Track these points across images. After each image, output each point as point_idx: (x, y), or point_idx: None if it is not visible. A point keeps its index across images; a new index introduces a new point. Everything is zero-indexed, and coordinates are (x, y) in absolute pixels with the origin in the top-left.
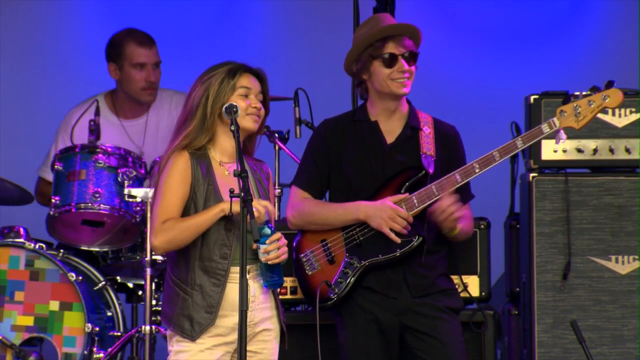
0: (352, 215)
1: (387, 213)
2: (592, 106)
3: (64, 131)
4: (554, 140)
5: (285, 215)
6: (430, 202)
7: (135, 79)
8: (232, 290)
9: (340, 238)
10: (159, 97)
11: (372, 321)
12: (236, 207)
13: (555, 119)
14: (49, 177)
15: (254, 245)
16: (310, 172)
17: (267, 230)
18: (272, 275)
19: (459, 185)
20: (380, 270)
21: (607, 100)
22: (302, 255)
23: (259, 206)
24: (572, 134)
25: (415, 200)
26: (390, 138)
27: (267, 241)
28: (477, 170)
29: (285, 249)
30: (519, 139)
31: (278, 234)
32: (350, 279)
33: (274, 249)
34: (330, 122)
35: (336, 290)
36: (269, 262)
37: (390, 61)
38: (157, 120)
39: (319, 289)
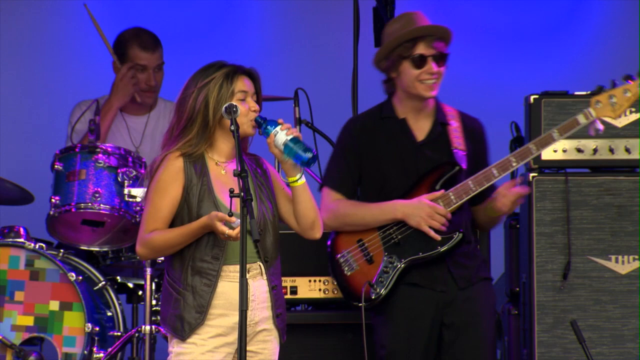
0: (390, 214)
1: (425, 211)
2: (629, 95)
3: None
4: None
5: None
6: (467, 197)
7: (135, 79)
8: (227, 289)
9: (377, 237)
10: (162, 106)
11: (416, 318)
12: (221, 229)
13: (590, 109)
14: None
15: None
16: (341, 171)
17: (272, 122)
18: (302, 145)
19: (496, 179)
20: (423, 266)
21: None
22: (339, 255)
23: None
24: (572, 134)
25: (452, 197)
26: (420, 135)
27: (279, 121)
28: (513, 164)
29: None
30: (555, 130)
31: (280, 120)
32: (392, 278)
33: (288, 126)
34: (358, 119)
35: (378, 290)
36: (294, 135)
37: (420, 62)
38: (155, 125)
39: (364, 288)
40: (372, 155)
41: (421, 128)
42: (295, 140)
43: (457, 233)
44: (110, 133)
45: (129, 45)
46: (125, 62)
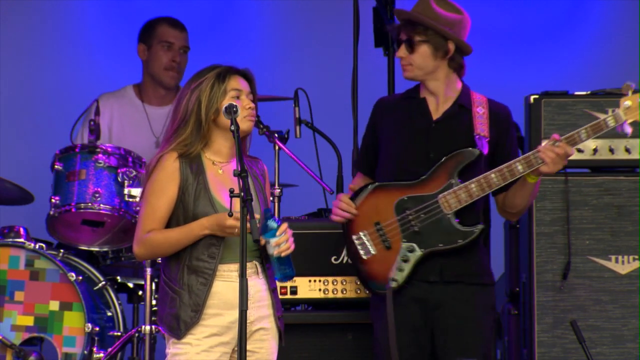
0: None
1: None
2: None
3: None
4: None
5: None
6: (490, 190)
7: (160, 57)
8: (222, 288)
9: (395, 223)
10: None
11: (406, 316)
12: (221, 232)
13: (619, 111)
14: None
15: (262, 241)
16: (362, 150)
17: (273, 224)
18: (284, 267)
19: (520, 175)
20: (431, 258)
21: None
22: (355, 237)
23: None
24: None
25: (474, 188)
26: (436, 115)
27: (277, 233)
28: (539, 161)
29: (292, 239)
30: (583, 130)
31: (285, 225)
32: (410, 267)
33: (284, 241)
34: (383, 99)
35: (397, 279)
36: (281, 255)
37: (398, 46)
38: None
39: (388, 288)
40: (385, 133)
41: (440, 109)
42: (278, 259)
43: (478, 226)
44: (129, 123)
45: (158, 23)
46: (151, 42)
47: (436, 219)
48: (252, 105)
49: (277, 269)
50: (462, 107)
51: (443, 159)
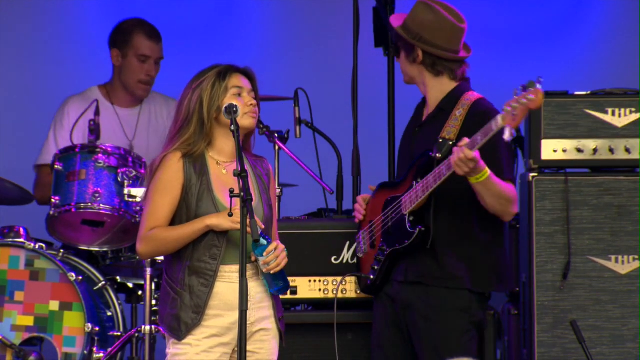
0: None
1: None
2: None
3: (59, 122)
4: (554, 140)
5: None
6: (428, 192)
7: (135, 69)
8: (223, 289)
9: (380, 220)
10: (152, 97)
11: (383, 318)
12: (223, 225)
13: (498, 117)
14: (49, 159)
15: (252, 257)
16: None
17: (263, 242)
18: (276, 282)
19: (445, 177)
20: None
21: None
22: (356, 236)
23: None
24: (572, 133)
25: (419, 189)
26: (424, 119)
27: (264, 253)
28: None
29: (284, 254)
30: (479, 134)
31: (273, 244)
32: (382, 266)
33: (272, 259)
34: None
35: (371, 277)
36: (270, 272)
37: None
38: (149, 117)
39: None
40: (403, 136)
41: (426, 114)
42: (269, 274)
43: (418, 229)
44: (103, 127)
45: (134, 32)
46: (126, 51)
47: (398, 219)
48: (254, 102)
49: (270, 284)
50: (442, 110)
51: (413, 161)
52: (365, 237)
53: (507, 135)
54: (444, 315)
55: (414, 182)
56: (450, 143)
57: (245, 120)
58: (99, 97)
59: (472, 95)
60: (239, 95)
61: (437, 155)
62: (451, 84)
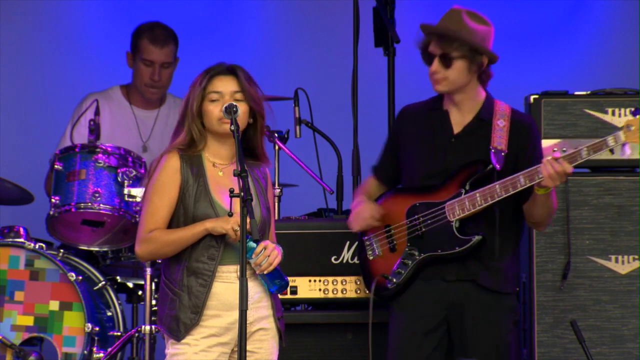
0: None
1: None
2: None
3: (76, 117)
4: (553, 141)
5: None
6: (492, 201)
7: (142, 72)
8: (221, 289)
9: (404, 226)
10: (172, 102)
11: (422, 317)
12: (221, 228)
13: (620, 133)
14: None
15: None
16: (381, 156)
17: (252, 244)
18: (274, 281)
19: (522, 187)
20: (441, 263)
21: None
22: (365, 238)
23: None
24: (572, 133)
25: (478, 197)
26: (457, 128)
27: (253, 255)
28: (540, 176)
29: (276, 252)
30: (584, 149)
31: (261, 245)
32: (410, 270)
33: (263, 260)
34: (408, 107)
35: (394, 281)
36: (264, 272)
37: (429, 60)
38: (166, 120)
39: (373, 283)
40: (408, 144)
41: (461, 122)
42: (263, 275)
43: (476, 236)
44: (118, 125)
45: (141, 36)
46: (135, 54)
47: (440, 225)
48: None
49: (267, 284)
50: (482, 120)
51: (457, 169)
52: (379, 241)
53: (628, 152)
54: (494, 315)
55: (462, 190)
56: (503, 154)
57: (218, 129)
58: (119, 97)
59: (503, 104)
60: (217, 100)
61: (498, 166)
62: (482, 92)
